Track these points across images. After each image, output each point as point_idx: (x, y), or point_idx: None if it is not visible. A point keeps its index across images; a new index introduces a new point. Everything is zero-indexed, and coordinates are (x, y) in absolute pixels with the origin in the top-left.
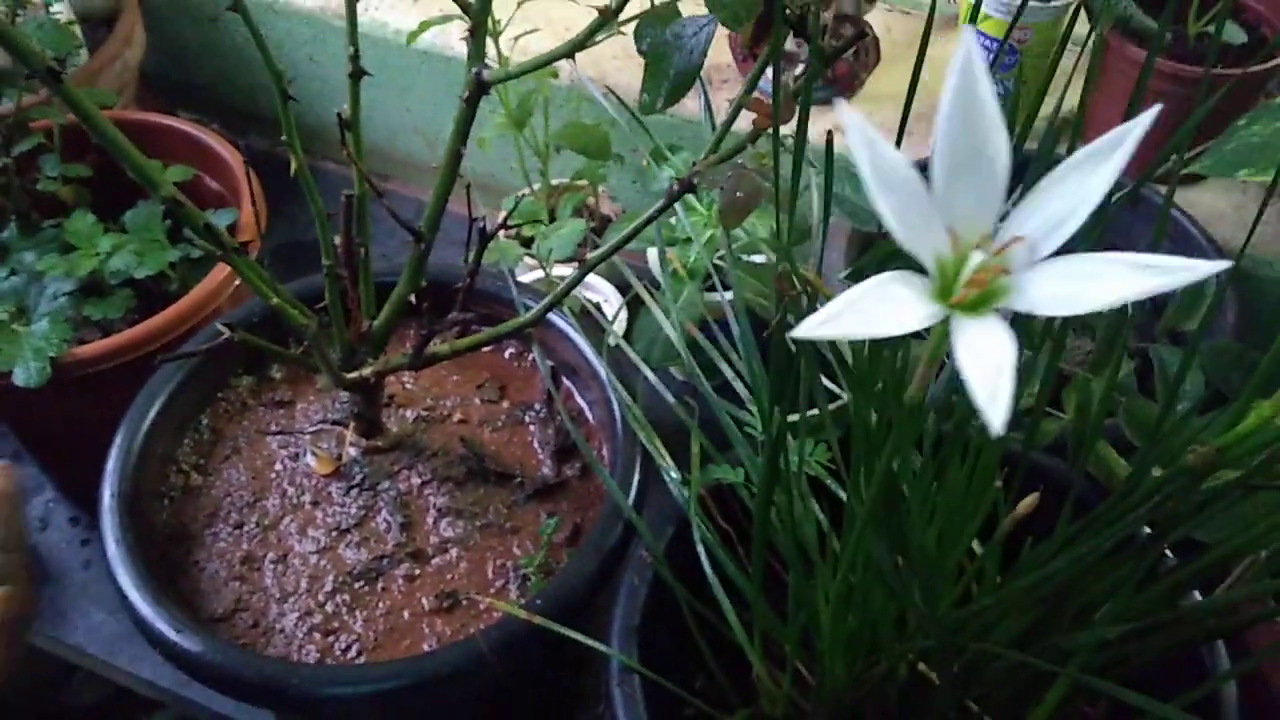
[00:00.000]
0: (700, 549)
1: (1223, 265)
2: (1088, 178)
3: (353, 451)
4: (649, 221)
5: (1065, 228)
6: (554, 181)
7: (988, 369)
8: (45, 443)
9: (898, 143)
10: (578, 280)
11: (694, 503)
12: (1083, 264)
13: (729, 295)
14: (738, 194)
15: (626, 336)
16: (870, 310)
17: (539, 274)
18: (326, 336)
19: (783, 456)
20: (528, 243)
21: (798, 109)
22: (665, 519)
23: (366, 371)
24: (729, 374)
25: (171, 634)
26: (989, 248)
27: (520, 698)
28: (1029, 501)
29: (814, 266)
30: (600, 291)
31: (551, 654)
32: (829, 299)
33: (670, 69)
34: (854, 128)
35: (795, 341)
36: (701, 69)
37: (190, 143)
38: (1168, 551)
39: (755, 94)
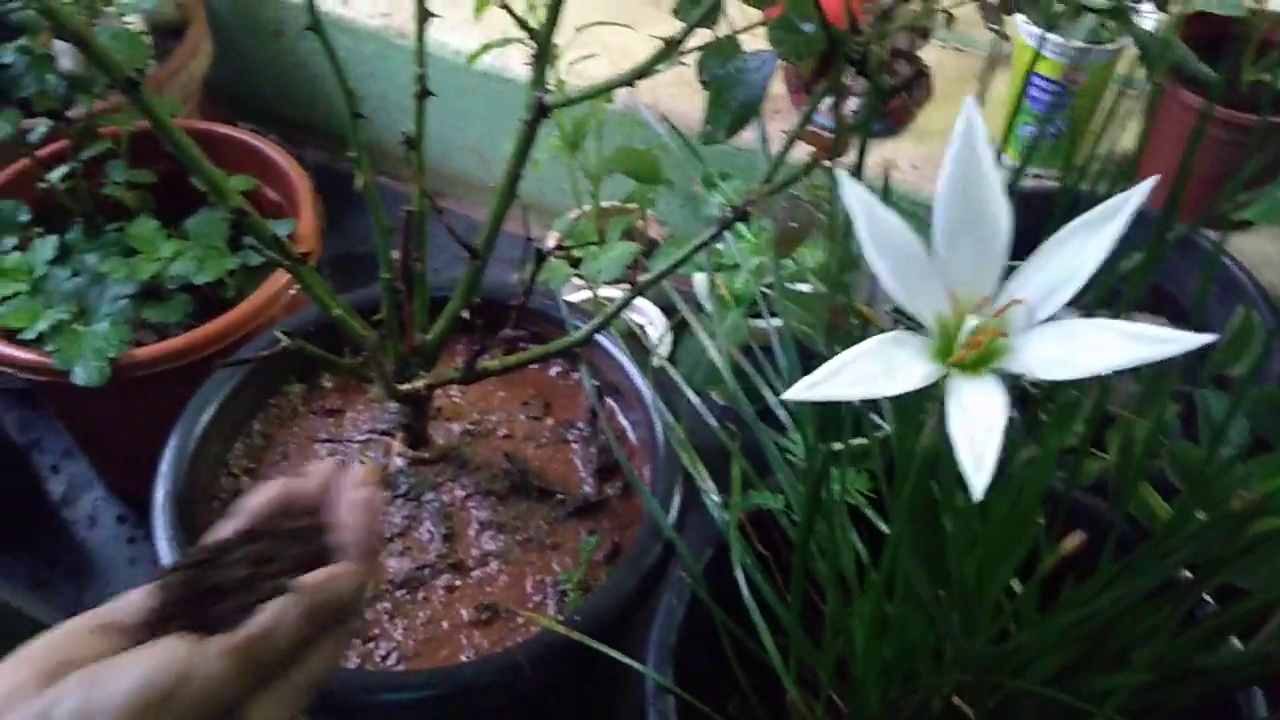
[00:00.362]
0: (739, 573)
1: (1209, 338)
2: (1086, 244)
3: (399, 462)
4: (701, 247)
5: (1063, 291)
6: (604, 204)
7: (977, 432)
8: (97, 441)
9: None
10: (627, 302)
11: (734, 527)
12: (1078, 329)
13: (774, 322)
14: (791, 224)
15: (671, 359)
16: (866, 370)
17: (586, 294)
18: (382, 349)
19: (825, 485)
20: (576, 263)
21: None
22: (704, 541)
23: (420, 384)
24: (771, 400)
25: None
26: (989, 310)
27: (554, 711)
28: (1074, 540)
29: (865, 297)
30: (646, 314)
31: (587, 669)
32: (880, 330)
33: (733, 101)
34: (850, 191)
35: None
36: (763, 102)
37: (251, 153)
38: (1207, 597)
39: (809, 127)
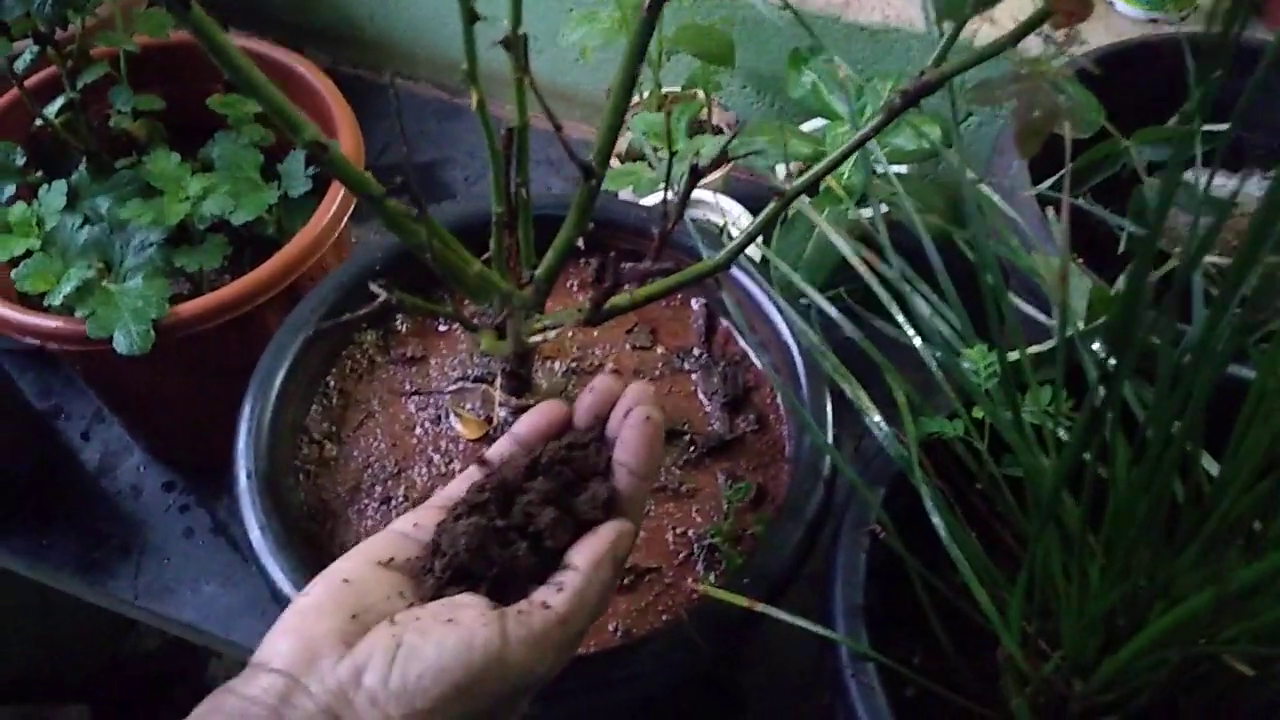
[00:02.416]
0: (937, 519)
1: None
2: None
3: (502, 413)
4: (866, 139)
5: None
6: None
7: None
8: (132, 404)
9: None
10: (778, 212)
11: (917, 465)
12: None
13: (867, 212)
14: (1035, 113)
15: (764, 260)
16: None
17: (656, 198)
18: (489, 290)
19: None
20: (636, 158)
21: None
22: (872, 478)
23: (551, 334)
24: (923, 308)
25: None
26: None
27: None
28: None
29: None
30: (728, 211)
31: (748, 638)
32: None
33: None
34: None
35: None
36: None
37: (271, 67)
38: None
39: None
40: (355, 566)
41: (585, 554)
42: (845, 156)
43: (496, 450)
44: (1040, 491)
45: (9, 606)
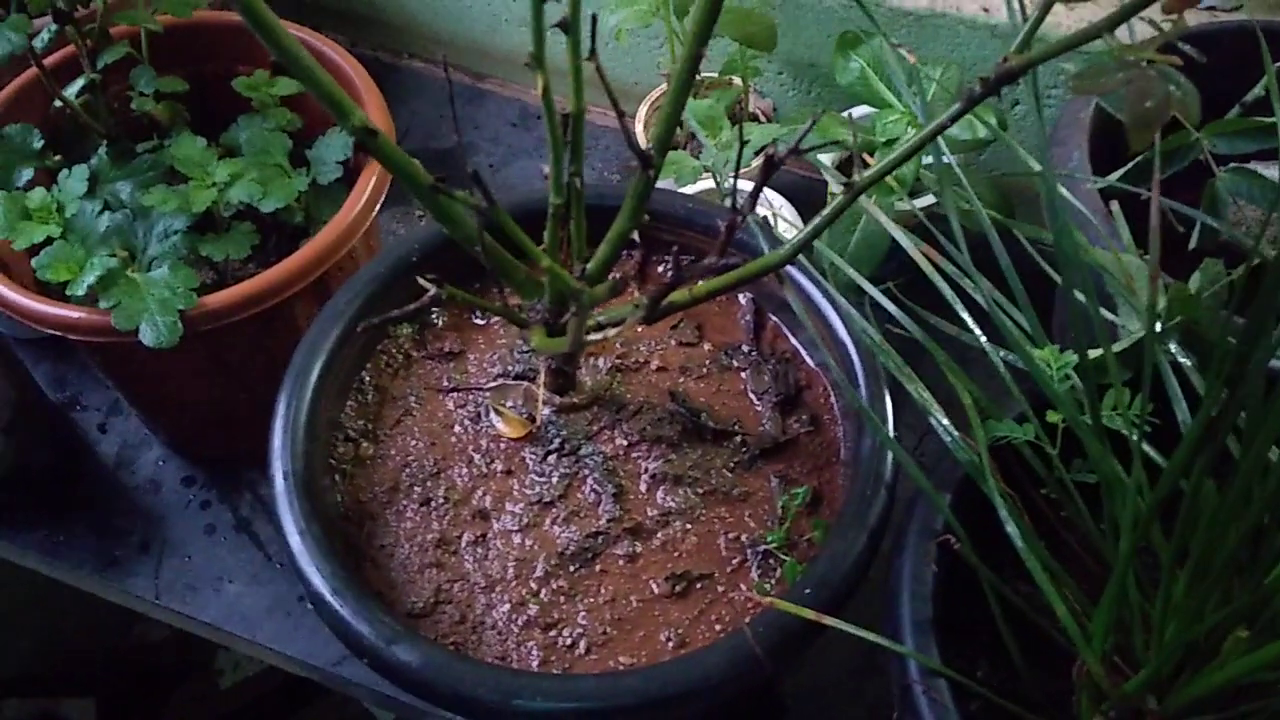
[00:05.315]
0: (1013, 528)
1: None
2: None
3: (546, 411)
4: (944, 128)
5: None
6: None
7: None
8: (151, 396)
9: None
10: (845, 205)
11: (989, 473)
12: None
13: (920, 202)
14: (1146, 104)
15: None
16: None
17: (704, 185)
18: (536, 285)
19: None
20: (674, 146)
21: None
22: (938, 484)
23: (611, 333)
24: (994, 310)
25: (382, 645)
26: None
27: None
28: None
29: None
30: (771, 203)
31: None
32: None
33: None
34: None
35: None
36: None
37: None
38: None
39: None
40: None
41: None
42: (921, 146)
43: None
44: (1122, 507)
45: (13, 601)
